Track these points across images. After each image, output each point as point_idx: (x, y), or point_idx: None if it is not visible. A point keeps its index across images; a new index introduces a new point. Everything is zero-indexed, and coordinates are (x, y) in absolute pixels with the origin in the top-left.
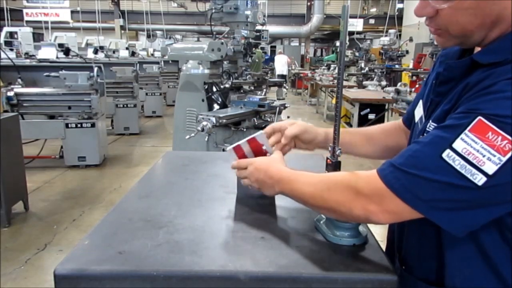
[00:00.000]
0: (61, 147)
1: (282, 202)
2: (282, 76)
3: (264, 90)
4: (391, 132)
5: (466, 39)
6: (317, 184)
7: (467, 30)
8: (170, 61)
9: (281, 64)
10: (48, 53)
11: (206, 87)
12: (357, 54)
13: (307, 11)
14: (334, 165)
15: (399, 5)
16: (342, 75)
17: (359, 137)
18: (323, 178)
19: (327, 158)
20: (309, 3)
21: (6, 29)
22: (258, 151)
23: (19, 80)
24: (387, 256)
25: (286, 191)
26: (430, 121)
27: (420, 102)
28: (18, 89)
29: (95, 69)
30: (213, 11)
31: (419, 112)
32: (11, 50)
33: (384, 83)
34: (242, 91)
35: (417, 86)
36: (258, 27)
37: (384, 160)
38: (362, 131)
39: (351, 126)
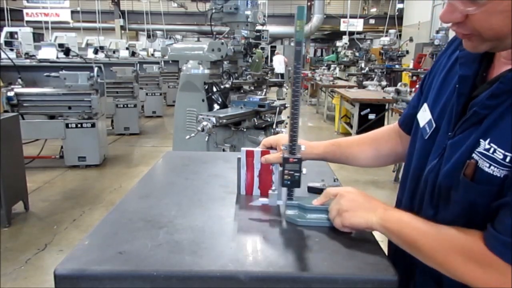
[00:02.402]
0: (61, 147)
1: (282, 202)
2: (281, 75)
3: (264, 90)
4: (385, 140)
5: (500, 43)
6: (439, 244)
7: (503, 33)
8: (170, 61)
9: (278, 63)
10: (48, 53)
11: (206, 87)
12: (357, 54)
13: (307, 11)
14: (298, 163)
15: (399, 5)
16: (301, 67)
17: (358, 147)
18: (445, 237)
19: (286, 157)
20: (309, 3)
21: (6, 29)
22: (266, 164)
23: (19, 80)
24: (388, 257)
25: (390, 227)
26: (488, 142)
27: (425, 106)
28: (18, 89)
29: (95, 69)
30: (213, 11)
31: (424, 116)
32: (11, 50)
33: (384, 83)
34: (242, 91)
35: (417, 86)
36: (258, 27)
37: (375, 167)
38: (355, 141)
39: (351, 126)
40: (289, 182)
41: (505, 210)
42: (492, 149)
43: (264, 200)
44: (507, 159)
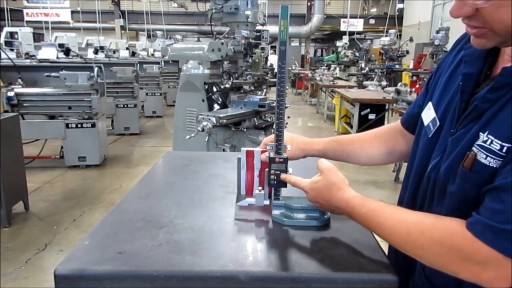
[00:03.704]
0: (61, 147)
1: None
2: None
3: (264, 90)
4: (385, 138)
5: (509, 37)
6: (406, 236)
7: None
8: (171, 61)
9: (275, 63)
10: (48, 53)
11: (206, 87)
12: (357, 54)
13: (307, 11)
14: (284, 162)
15: (399, 5)
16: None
17: (359, 145)
18: (410, 228)
19: (272, 157)
20: (309, 3)
21: (6, 29)
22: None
23: (19, 80)
24: (388, 257)
25: (363, 225)
26: (486, 134)
27: (430, 105)
28: (19, 89)
29: (96, 69)
30: (213, 11)
31: (428, 114)
32: (12, 50)
33: (384, 83)
34: (242, 91)
35: (417, 86)
36: (259, 27)
37: (377, 165)
38: (356, 138)
39: (351, 126)
40: (275, 182)
41: (489, 195)
42: (489, 141)
43: (250, 200)
44: (504, 150)
